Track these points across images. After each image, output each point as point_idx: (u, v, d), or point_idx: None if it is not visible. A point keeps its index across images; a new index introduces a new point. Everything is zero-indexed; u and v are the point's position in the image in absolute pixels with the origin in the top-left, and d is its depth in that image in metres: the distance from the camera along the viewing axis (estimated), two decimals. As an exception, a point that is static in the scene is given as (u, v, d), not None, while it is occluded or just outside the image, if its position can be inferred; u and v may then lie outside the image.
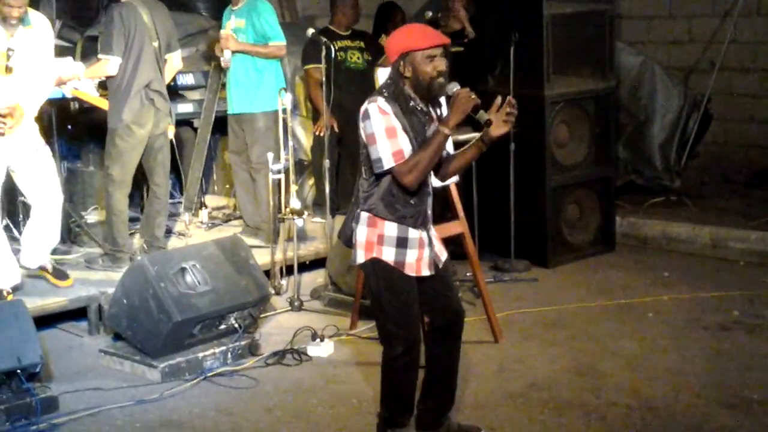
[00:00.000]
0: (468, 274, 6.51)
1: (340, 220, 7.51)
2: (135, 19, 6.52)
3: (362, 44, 8.47)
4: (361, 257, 4.35)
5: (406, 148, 4.18)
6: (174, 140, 7.08)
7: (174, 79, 7.72)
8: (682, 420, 4.84)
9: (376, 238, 4.30)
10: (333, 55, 7.33)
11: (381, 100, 4.21)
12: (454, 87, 4.21)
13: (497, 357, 5.75)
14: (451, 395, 4.65)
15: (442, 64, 4.22)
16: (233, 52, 7.29)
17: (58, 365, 5.67)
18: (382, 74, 5.83)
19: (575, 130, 7.81)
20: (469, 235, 6.09)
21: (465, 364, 5.24)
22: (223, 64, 7.42)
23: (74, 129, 7.95)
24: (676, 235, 8.16)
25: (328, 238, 7.19)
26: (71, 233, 7.34)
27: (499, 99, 4.29)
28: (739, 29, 9.70)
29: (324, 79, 7.08)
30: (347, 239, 4.44)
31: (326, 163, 7.02)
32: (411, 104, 4.25)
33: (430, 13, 7.50)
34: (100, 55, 6.62)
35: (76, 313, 6.27)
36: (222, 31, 7.38)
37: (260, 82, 7.26)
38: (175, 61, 6.90)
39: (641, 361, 5.65)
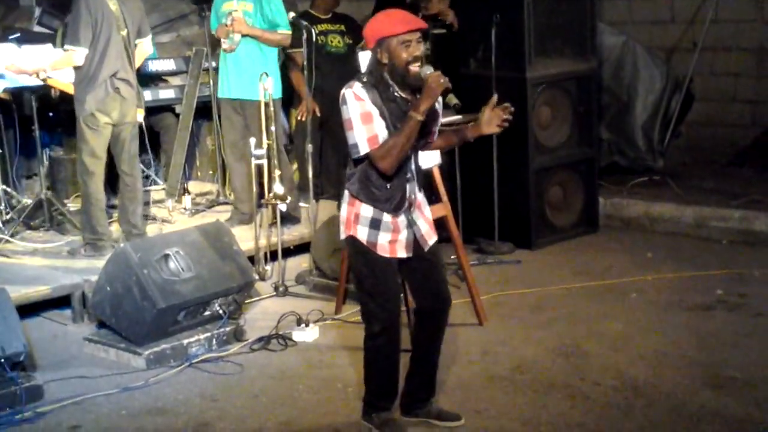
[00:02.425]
0: (452, 257, 6.52)
1: (323, 204, 7.52)
2: (102, 9, 6.47)
3: (343, 27, 8.43)
4: (342, 233, 4.44)
5: (382, 133, 4.20)
6: (152, 126, 7.06)
7: (146, 66, 7.72)
8: (666, 399, 4.87)
9: (353, 216, 4.36)
10: (314, 39, 7.30)
11: (357, 86, 4.22)
12: (428, 70, 4.20)
13: (482, 339, 5.76)
14: (431, 380, 4.68)
15: (417, 50, 4.22)
16: (242, 36, 7.25)
17: (43, 354, 5.66)
18: (363, 57, 5.81)
19: (558, 111, 7.82)
20: (453, 218, 6.10)
21: (449, 347, 5.27)
22: (226, 47, 7.32)
23: (56, 116, 7.93)
24: (659, 215, 8.19)
25: (312, 222, 7.18)
26: (54, 221, 7.32)
27: (495, 98, 4.32)
28: (721, 8, 9.70)
29: (305, 63, 7.05)
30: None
31: (309, 147, 7.01)
32: (390, 90, 4.25)
33: (410, -3, 7.49)
34: (66, 46, 6.56)
35: (60, 302, 6.26)
36: (234, 14, 7.25)
37: (266, 69, 7.17)
38: (145, 46, 6.87)
39: (625, 341, 5.67)
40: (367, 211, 4.34)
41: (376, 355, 4.47)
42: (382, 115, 4.20)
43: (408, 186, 4.39)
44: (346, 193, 4.40)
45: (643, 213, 8.27)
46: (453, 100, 4.24)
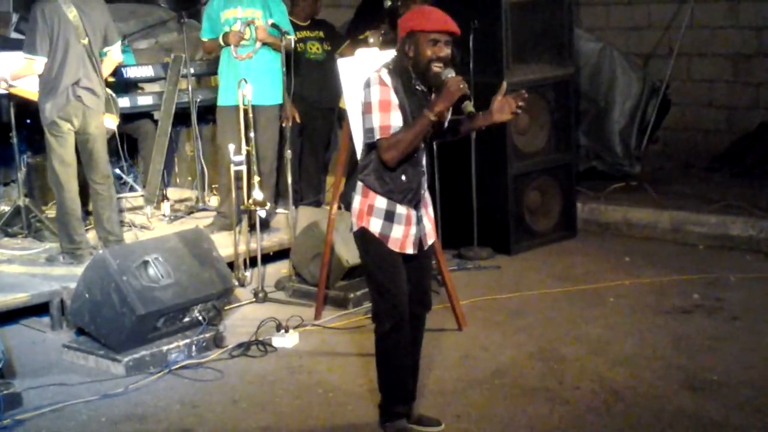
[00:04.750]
0: (432, 262, 6.52)
1: (302, 211, 7.54)
2: (58, 17, 6.42)
3: (321, 34, 8.45)
4: (354, 225, 4.42)
5: (395, 124, 4.20)
6: (131, 132, 7.01)
7: (121, 72, 7.65)
8: (645, 403, 4.90)
9: (366, 207, 4.36)
10: (293, 46, 7.31)
11: (384, 71, 4.25)
12: (449, 73, 4.23)
13: (461, 344, 5.78)
14: (413, 385, 4.68)
15: (444, 51, 4.25)
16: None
17: (21, 361, 5.63)
18: (342, 64, 5.83)
19: (535, 117, 7.85)
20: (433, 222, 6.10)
21: (429, 352, 5.29)
22: (241, 55, 7.22)
23: (33, 123, 7.88)
24: (636, 220, 8.23)
25: (292, 228, 7.18)
26: (32, 228, 7.29)
27: (504, 85, 4.35)
28: (697, 14, 9.78)
29: (284, 69, 7.05)
30: (347, 204, 4.50)
31: (288, 153, 7.01)
32: (413, 83, 4.28)
33: (389, 2, 7.50)
34: (24, 56, 6.52)
35: (39, 309, 6.22)
36: (257, 22, 7.21)
37: (279, 75, 7.17)
38: (114, 54, 6.82)
39: (604, 345, 5.70)
40: (381, 202, 4.33)
41: (388, 355, 4.45)
42: (401, 105, 4.22)
43: (422, 180, 4.41)
44: (360, 184, 4.38)
45: (621, 218, 8.31)
46: (469, 107, 4.23)
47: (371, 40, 7.27)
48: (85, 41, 6.52)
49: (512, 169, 7.66)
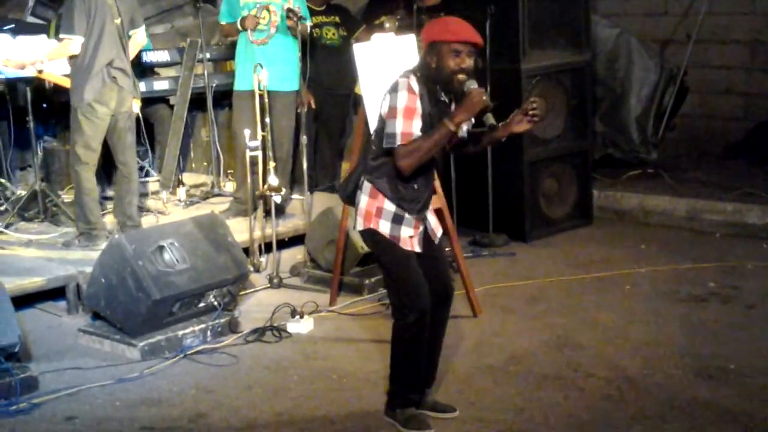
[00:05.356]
0: (447, 249, 6.52)
1: (318, 196, 7.53)
2: None
3: (337, 19, 8.44)
4: (360, 225, 4.43)
5: (417, 132, 4.20)
6: (147, 117, 7.04)
7: (142, 56, 7.67)
8: (659, 391, 4.89)
9: (374, 209, 4.36)
10: (309, 31, 7.30)
11: (413, 79, 4.24)
12: (472, 84, 4.21)
13: (476, 331, 5.78)
14: (433, 372, 4.70)
15: (466, 62, 4.23)
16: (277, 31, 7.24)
17: (37, 345, 5.66)
18: (357, 50, 5.81)
19: (552, 103, 7.82)
20: (447, 209, 6.10)
21: (444, 339, 5.27)
22: (257, 40, 7.21)
23: (49, 107, 7.92)
24: (652, 207, 8.21)
25: (307, 214, 7.19)
26: (48, 213, 7.31)
27: (531, 102, 4.34)
28: (714, 1, 9.71)
29: (299, 54, 7.04)
30: (345, 196, 4.51)
31: (303, 139, 7.01)
32: (436, 93, 4.28)
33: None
34: (61, 35, 6.53)
35: (55, 293, 6.24)
36: (286, 5, 7.19)
37: (296, 61, 7.17)
38: (139, 37, 6.85)
39: (618, 333, 5.69)
40: (390, 206, 4.34)
41: (409, 347, 4.44)
42: (425, 114, 4.21)
43: (432, 189, 4.45)
44: (367, 185, 4.37)
45: (637, 205, 8.29)
46: (490, 119, 4.23)
47: (387, 25, 7.26)
48: (118, 21, 6.55)
49: (528, 156, 7.65)
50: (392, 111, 4.21)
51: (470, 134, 4.54)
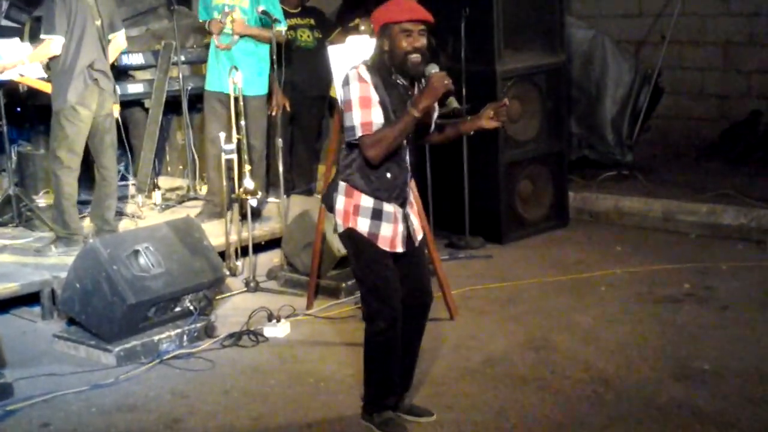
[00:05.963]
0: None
1: (294, 200, 7.51)
2: None
3: (312, 22, 8.43)
4: (339, 226, 4.38)
5: (377, 120, 4.16)
6: (121, 121, 7.01)
7: (117, 60, 7.62)
8: (636, 392, 4.90)
9: (352, 208, 4.32)
10: (283, 35, 7.28)
11: (362, 68, 4.21)
12: (433, 69, 4.19)
13: (453, 334, 5.78)
14: (409, 376, 4.69)
15: (419, 41, 4.21)
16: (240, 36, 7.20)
17: (12, 351, 5.61)
18: (333, 52, 5.80)
19: (527, 105, 7.84)
20: (423, 212, 6.08)
21: (420, 345, 5.26)
22: (221, 45, 7.20)
23: (23, 111, 7.86)
24: (628, 209, 8.24)
25: (283, 217, 7.17)
26: (22, 217, 7.26)
27: (506, 101, 4.40)
28: (688, 2, 9.77)
29: (275, 57, 7.02)
30: (328, 205, 4.46)
31: (279, 142, 6.99)
32: (392, 77, 4.24)
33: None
34: (42, 35, 6.50)
35: (29, 298, 6.21)
36: (234, 14, 7.16)
37: (264, 65, 7.14)
38: (119, 40, 6.82)
39: (595, 334, 5.71)
40: (367, 201, 4.29)
41: (380, 352, 4.43)
42: (382, 101, 4.18)
43: (407, 176, 4.39)
44: (342, 185, 4.33)
45: (612, 207, 8.32)
46: (453, 103, 4.21)
47: (362, 28, 7.25)
48: (98, 23, 6.52)
49: (504, 158, 7.66)
50: (348, 104, 4.19)
51: (436, 124, 4.52)
